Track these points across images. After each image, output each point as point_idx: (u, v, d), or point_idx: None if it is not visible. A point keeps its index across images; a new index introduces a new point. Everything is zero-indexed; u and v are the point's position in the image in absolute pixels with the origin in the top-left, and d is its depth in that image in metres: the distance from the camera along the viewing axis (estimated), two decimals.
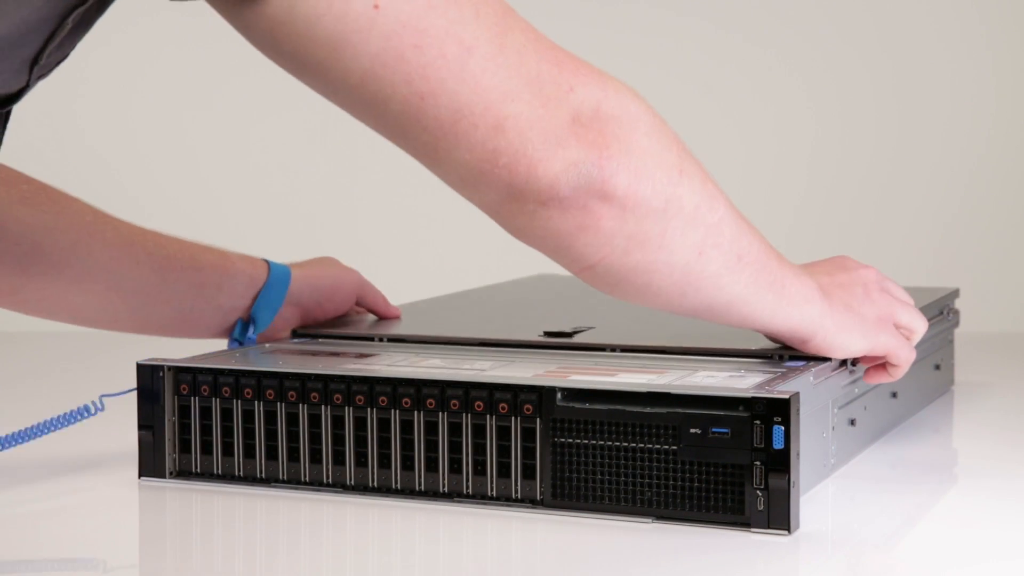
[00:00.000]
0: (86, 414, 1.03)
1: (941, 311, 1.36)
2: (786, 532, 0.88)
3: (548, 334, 1.14)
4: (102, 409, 1.02)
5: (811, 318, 0.98)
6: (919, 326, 1.06)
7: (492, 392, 0.94)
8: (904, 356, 1.04)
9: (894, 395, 1.20)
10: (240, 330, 1.15)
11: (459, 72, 0.80)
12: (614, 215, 0.85)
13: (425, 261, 2.04)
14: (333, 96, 0.82)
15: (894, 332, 1.04)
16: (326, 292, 1.19)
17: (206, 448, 1.01)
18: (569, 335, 1.12)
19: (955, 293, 1.43)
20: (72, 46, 0.83)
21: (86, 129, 2.08)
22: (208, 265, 1.13)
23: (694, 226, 0.89)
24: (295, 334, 1.18)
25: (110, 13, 0.96)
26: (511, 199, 0.84)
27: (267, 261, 1.17)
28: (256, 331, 1.15)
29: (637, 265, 0.89)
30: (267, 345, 1.12)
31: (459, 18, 0.80)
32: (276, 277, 1.16)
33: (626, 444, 0.91)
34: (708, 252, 0.90)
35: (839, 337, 1.00)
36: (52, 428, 1.02)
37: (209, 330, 1.16)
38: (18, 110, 1.00)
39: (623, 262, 0.88)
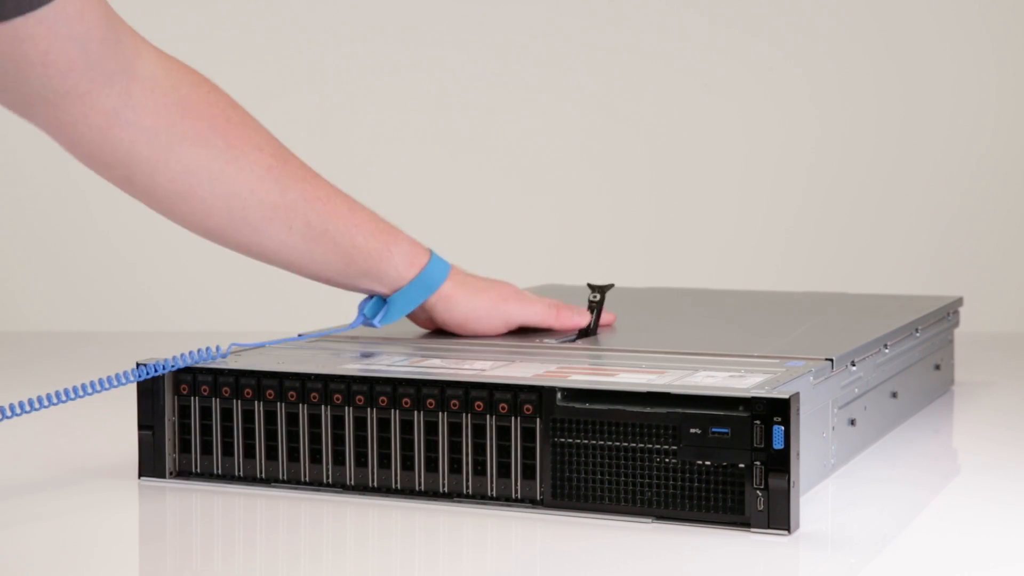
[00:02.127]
0: (208, 356, 1.02)
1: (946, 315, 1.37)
2: (786, 532, 0.88)
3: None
4: (224, 356, 1.03)
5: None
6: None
7: (492, 392, 0.94)
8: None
9: (894, 395, 1.21)
10: (372, 307, 1.14)
11: None
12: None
13: None
14: None
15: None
16: (457, 320, 1.16)
17: (206, 448, 1.01)
18: (571, 340, 1.12)
19: (959, 302, 1.44)
20: None
21: None
22: (363, 252, 1.11)
23: None
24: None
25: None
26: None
27: (430, 260, 1.14)
28: (385, 320, 1.13)
29: None
30: (266, 345, 1.12)
31: None
32: (419, 284, 1.13)
33: (626, 444, 0.91)
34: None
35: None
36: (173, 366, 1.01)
37: (348, 290, 1.15)
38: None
39: None
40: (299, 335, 1.14)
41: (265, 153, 1.07)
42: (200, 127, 1.04)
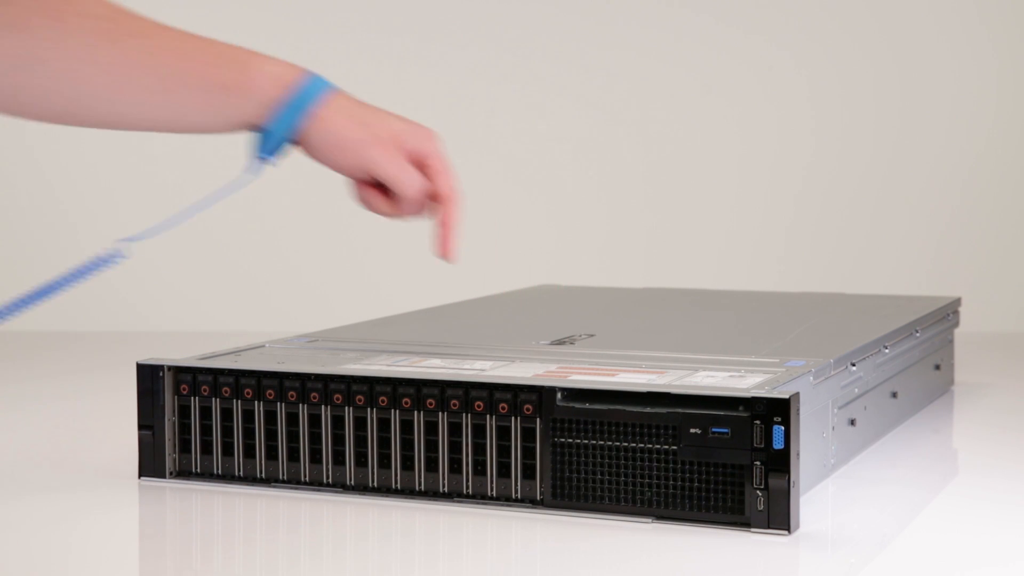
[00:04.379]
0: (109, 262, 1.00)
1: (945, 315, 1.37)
2: (786, 532, 0.88)
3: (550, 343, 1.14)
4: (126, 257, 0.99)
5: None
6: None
7: (492, 392, 0.94)
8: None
9: (894, 395, 1.21)
10: (261, 144, 1.05)
11: None
12: None
13: (427, 269, 2.04)
14: None
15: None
16: (324, 147, 1.06)
17: (206, 448, 1.01)
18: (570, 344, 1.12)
19: (958, 302, 1.44)
20: None
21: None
22: (221, 84, 1.03)
23: None
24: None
25: None
26: None
27: (303, 76, 1.04)
28: (265, 150, 1.05)
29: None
30: (266, 345, 1.12)
31: None
32: (291, 102, 1.04)
33: (626, 444, 0.91)
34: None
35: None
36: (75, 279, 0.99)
37: (226, 132, 1.08)
38: None
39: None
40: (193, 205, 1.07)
41: (91, 17, 1.02)
42: (17, 11, 1.00)
